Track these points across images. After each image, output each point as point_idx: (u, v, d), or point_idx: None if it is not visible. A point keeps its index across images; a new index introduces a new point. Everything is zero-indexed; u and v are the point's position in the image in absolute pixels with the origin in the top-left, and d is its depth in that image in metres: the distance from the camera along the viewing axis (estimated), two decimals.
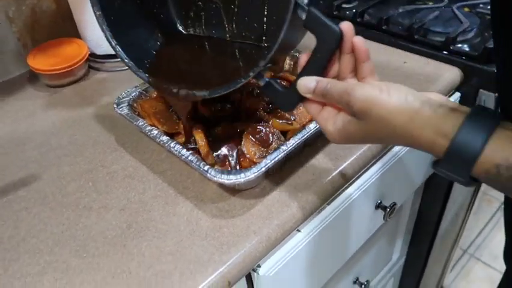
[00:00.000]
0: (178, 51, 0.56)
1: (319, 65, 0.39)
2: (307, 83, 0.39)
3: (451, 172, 0.34)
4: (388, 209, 0.64)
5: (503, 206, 1.34)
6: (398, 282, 1.12)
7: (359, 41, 0.37)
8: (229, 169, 0.50)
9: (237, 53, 0.53)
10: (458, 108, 0.34)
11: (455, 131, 0.32)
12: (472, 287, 1.35)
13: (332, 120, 0.39)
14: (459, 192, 0.85)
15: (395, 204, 0.65)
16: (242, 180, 0.45)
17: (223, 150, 0.51)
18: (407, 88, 0.36)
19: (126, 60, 0.51)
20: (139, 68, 0.51)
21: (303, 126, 0.51)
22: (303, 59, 0.40)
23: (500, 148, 0.31)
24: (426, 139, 0.34)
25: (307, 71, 0.39)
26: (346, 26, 0.37)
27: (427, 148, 0.34)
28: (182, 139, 0.53)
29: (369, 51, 0.38)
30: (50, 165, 0.59)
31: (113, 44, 0.51)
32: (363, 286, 0.82)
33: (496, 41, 0.40)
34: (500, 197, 1.26)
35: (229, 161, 0.51)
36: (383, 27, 0.79)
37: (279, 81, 0.44)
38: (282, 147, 0.48)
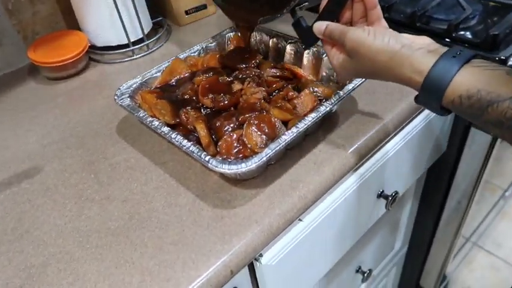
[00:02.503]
0: None
1: (333, 11, 0.48)
2: (319, 26, 0.48)
3: (426, 104, 0.41)
4: (390, 198, 0.64)
5: (506, 195, 1.33)
6: (401, 270, 1.12)
7: None
8: (231, 159, 0.50)
9: None
10: (436, 50, 0.39)
11: (429, 69, 0.38)
12: (475, 275, 1.35)
13: (337, 56, 0.47)
14: (462, 180, 0.85)
15: (396, 193, 0.65)
16: (243, 170, 0.45)
17: (225, 141, 0.51)
18: (394, 33, 0.42)
19: None
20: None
21: (304, 116, 0.51)
22: (323, 4, 0.48)
23: (464, 81, 0.36)
24: (405, 76, 0.40)
25: (324, 16, 0.48)
26: None
27: (406, 84, 0.41)
28: (181, 129, 0.53)
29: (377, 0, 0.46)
30: (52, 157, 0.59)
31: None
32: (365, 275, 0.83)
33: None
34: (503, 185, 1.25)
35: (231, 151, 0.51)
36: (385, 15, 0.77)
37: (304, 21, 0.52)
38: (283, 136, 0.48)
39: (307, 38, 0.51)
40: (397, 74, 0.41)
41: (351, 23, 0.48)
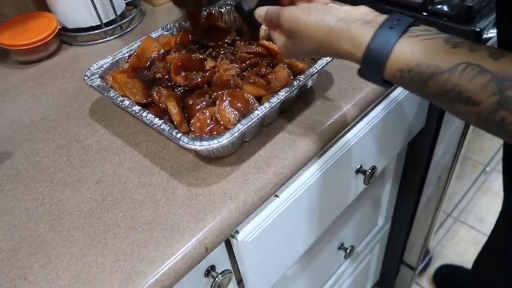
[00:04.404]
0: None
1: None
2: (260, 12, 0.47)
3: (369, 78, 0.39)
4: (368, 173, 0.64)
5: (487, 170, 1.35)
6: (385, 247, 1.14)
7: None
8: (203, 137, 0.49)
9: None
10: (374, 20, 0.38)
11: (367, 43, 0.36)
12: (458, 249, 1.38)
13: (280, 38, 0.46)
14: (441, 155, 0.86)
15: (375, 167, 0.66)
16: (215, 146, 0.44)
17: (198, 118, 0.50)
18: (331, 7, 0.41)
19: None
20: None
21: (277, 92, 0.50)
22: None
23: (403, 54, 0.35)
24: (345, 51, 0.39)
25: (264, 1, 0.47)
26: None
27: (349, 58, 0.39)
28: (155, 109, 0.52)
29: None
30: (22, 141, 0.57)
31: None
32: (348, 251, 0.84)
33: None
34: (483, 160, 1.27)
35: (204, 129, 0.50)
36: None
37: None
38: (256, 112, 0.47)
39: (251, 21, 0.50)
40: (337, 50, 0.39)
41: (293, 5, 0.46)
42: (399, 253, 1.14)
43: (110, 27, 0.77)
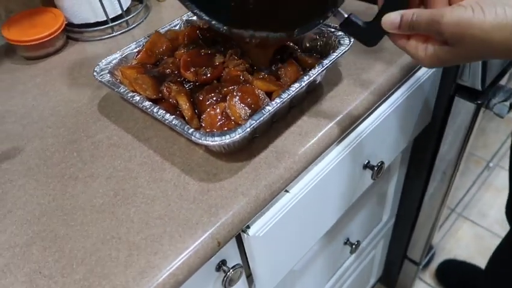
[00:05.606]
0: None
1: None
2: (392, 20, 0.38)
3: None
4: (376, 168, 0.65)
5: (490, 165, 1.35)
6: (389, 242, 1.14)
7: None
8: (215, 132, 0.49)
9: None
10: None
11: None
12: (461, 245, 1.39)
13: (422, 47, 0.38)
14: (447, 150, 0.86)
15: (382, 163, 0.66)
16: (227, 141, 0.45)
17: (208, 114, 0.50)
18: None
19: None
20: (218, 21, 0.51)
21: (288, 87, 0.50)
22: None
23: None
24: None
25: (391, 4, 0.37)
26: None
27: None
28: (165, 104, 0.52)
29: None
30: (32, 137, 0.58)
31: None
32: (353, 246, 0.84)
33: None
34: (486, 156, 1.27)
35: (214, 124, 0.51)
36: None
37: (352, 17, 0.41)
38: (267, 107, 0.48)
39: (368, 37, 0.41)
40: None
41: (423, 5, 0.39)
42: (403, 248, 1.15)
43: (117, 22, 0.77)
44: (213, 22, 0.51)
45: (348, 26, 0.41)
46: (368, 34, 0.40)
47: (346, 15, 0.41)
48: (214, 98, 0.52)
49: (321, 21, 0.43)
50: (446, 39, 0.35)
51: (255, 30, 0.49)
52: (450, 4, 0.38)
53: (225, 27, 0.51)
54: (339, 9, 0.41)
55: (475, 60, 0.37)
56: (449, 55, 0.36)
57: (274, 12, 0.49)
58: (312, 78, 0.51)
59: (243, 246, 0.52)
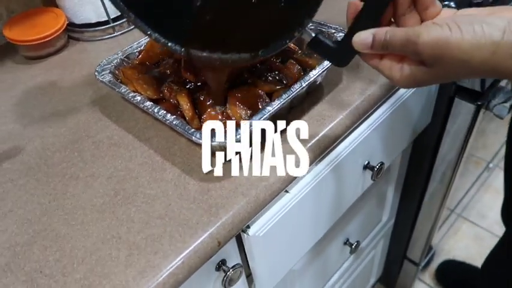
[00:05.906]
0: (217, 14, 0.45)
1: (375, 13, 0.34)
2: (363, 39, 0.35)
3: None
4: (376, 169, 0.65)
5: (490, 166, 1.35)
6: (388, 242, 1.14)
7: None
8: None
9: (279, 12, 0.44)
10: None
11: None
12: (460, 245, 1.39)
13: (396, 67, 0.36)
14: (446, 151, 0.86)
15: (382, 163, 0.66)
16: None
17: (209, 114, 0.51)
18: (480, 15, 0.32)
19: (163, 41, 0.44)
20: (175, 43, 0.44)
21: (289, 87, 0.50)
22: (352, 8, 0.36)
23: None
24: None
25: (361, 22, 0.35)
26: None
27: None
28: (166, 105, 0.53)
29: None
30: (33, 136, 0.58)
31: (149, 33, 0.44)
32: (353, 246, 0.84)
33: None
34: (486, 157, 1.27)
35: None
36: None
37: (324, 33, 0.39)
38: (268, 108, 0.48)
39: (339, 57, 0.38)
40: (503, 70, 0.31)
41: (395, 22, 0.37)
42: (402, 249, 1.15)
43: (118, 22, 0.77)
44: (169, 44, 0.44)
45: (317, 46, 0.39)
46: (339, 54, 0.38)
47: (313, 35, 0.38)
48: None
49: (287, 41, 0.40)
50: (423, 59, 0.33)
51: (214, 51, 0.43)
52: (422, 22, 0.36)
53: (182, 49, 0.44)
54: (306, 28, 0.40)
55: (452, 79, 0.35)
56: (427, 76, 0.34)
57: (236, 32, 0.44)
58: (312, 79, 0.51)
59: (243, 246, 0.52)
